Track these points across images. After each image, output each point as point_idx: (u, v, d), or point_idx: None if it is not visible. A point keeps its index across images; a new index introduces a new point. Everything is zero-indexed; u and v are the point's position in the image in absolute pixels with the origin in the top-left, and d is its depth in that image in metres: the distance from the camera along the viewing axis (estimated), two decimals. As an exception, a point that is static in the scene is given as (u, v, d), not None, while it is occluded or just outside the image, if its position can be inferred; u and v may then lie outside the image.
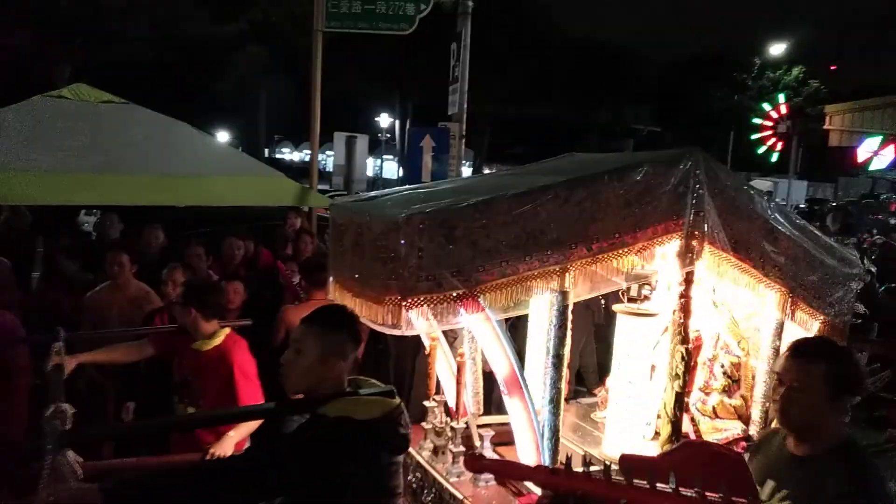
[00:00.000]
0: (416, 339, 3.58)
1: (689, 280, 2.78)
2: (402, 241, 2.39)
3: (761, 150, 28.48)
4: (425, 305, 2.42)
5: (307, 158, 7.66)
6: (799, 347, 2.15)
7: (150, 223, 5.83)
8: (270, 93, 28.82)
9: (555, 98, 34.11)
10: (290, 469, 1.93)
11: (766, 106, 28.91)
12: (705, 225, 2.76)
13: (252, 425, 3.18)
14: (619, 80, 36.37)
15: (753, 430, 3.28)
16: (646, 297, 3.24)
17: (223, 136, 24.38)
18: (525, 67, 30.17)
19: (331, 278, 3.07)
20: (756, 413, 3.30)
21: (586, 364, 6.10)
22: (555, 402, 2.70)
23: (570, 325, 2.70)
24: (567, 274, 2.63)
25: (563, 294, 2.65)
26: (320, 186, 10.41)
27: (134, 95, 7.21)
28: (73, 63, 23.02)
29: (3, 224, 7.07)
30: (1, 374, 3.55)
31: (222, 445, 3.16)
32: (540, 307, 2.88)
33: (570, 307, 2.68)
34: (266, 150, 34.08)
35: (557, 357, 2.68)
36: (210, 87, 26.91)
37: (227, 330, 3.51)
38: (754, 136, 28.90)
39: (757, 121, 28.76)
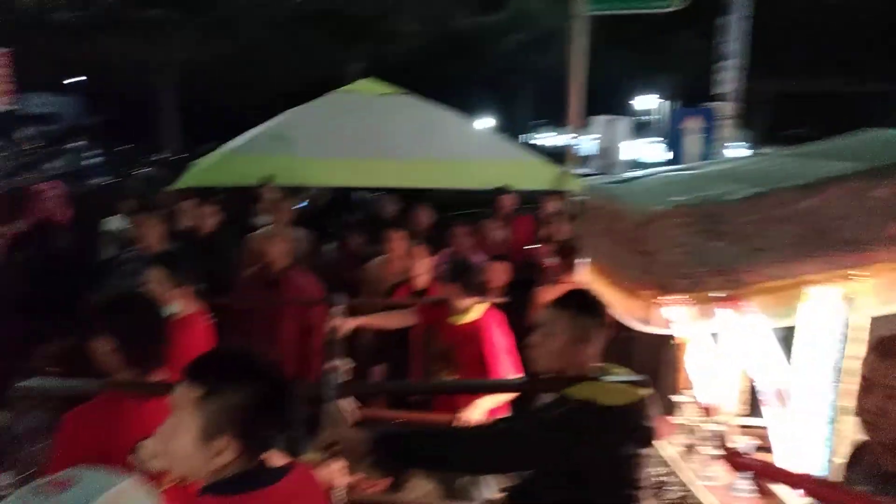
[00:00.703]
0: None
1: None
2: (660, 235, 2.23)
3: None
4: (681, 305, 2.25)
5: (566, 143, 7.66)
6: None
7: (419, 203, 6.36)
8: (531, 78, 29.39)
9: (854, 68, 29.35)
10: (532, 443, 1.99)
11: None
12: None
13: (504, 397, 3.31)
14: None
15: None
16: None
17: (488, 122, 25.48)
18: (819, 32, 26.42)
19: (583, 262, 3.06)
20: None
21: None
22: (831, 418, 2.39)
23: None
24: (860, 280, 2.20)
25: (850, 302, 2.27)
26: (579, 170, 10.40)
27: (415, 87, 7.94)
28: (363, 60, 25.90)
29: (309, 202, 8.26)
30: (303, 329, 4.14)
31: (471, 411, 3.35)
32: (814, 315, 2.52)
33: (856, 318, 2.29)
34: (525, 135, 34.94)
35: (837, 371, 2.34)
36: (476, 75, 28.25)
37: (485, 306, 3.68)
38: None
39: None
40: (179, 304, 3.08)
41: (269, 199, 6.00)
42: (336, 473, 2.04)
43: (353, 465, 2.00)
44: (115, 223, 6.16)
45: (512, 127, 29.84)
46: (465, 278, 3.61)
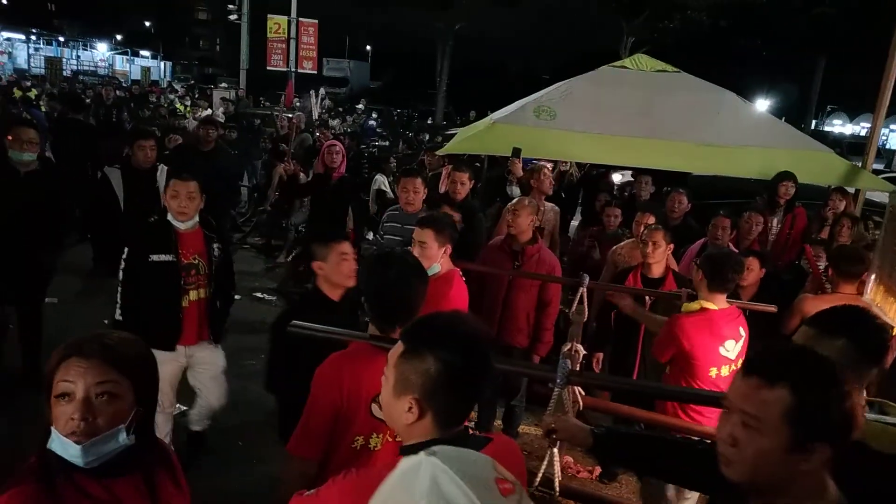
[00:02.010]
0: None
1: None
2: None
3: None
4: None
5: (862, 133, 6.60)
6: (755, 359, 1.40)
7: (676, 188, 5.99)
8: (827, 57, 25.84)
9: None
10: None
11: None
12: None
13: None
14: None
15: None
16: None
17: (763, 105, 23.03)
18: None
19: (872, 275, 2.63)
20: None
21: None
22: None
23: None
24: None
25: None
26: (875, 166, 8.97)
27: (688, 64, 7.44)
28: (635, 34, 24.98)
29: (560, 176, 8.28)
30: (538, 303, 4.20)
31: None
32: None
33: None
34: (814, 122, 31.00)
35: None
36: (760, 53, 25.64)
37: (719, 303, 3.34)
38: None
39: None
40: (441, 264, 3.24)
41: (518, 170, 6.12)
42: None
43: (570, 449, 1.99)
44: (381, 182, 6.78)
45: (801, 111, 26.64)
46: (711, 269, 3.27)
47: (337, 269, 2.81)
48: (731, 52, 25.34)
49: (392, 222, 4.69)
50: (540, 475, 2.80)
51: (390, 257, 2.19)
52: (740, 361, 3.09)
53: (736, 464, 1.37)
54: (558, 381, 2.09)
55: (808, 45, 25.08)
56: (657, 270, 4.19)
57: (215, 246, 3.64)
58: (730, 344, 3.24)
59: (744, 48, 25.52)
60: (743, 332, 3.29)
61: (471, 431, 1.55)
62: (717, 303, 3.26)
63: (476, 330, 1.52)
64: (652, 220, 4.78)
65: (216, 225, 3.77)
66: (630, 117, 6.63)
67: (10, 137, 4.32)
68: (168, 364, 3.59)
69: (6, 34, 36.37)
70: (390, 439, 1.98)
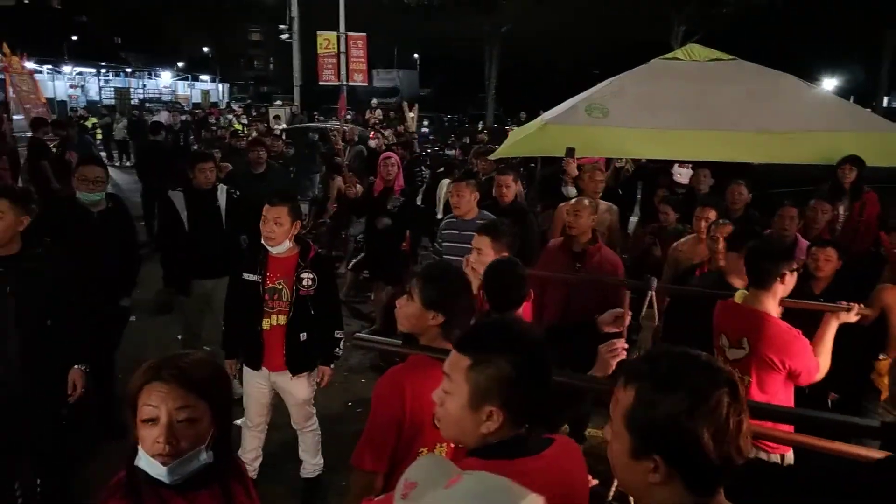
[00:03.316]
0: None
1: None
2: None
3: None
4: None
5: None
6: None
7: (735, 179, 5.81)
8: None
9: None
10: None
11: None
12: None
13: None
14: None
15: None
16: None
17: (829, 85, 22.03)
18: None
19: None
20: None
21: None
22: None
23: None
24: None
25: None
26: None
27: (744, 50, 7.23)
28: (685, 23, 24.34)
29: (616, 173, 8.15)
30: (600, 305, 4.09)
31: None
32: None
33: None
34: (885, 99, 29.47)
35: None
36: (826, 30, 24.60)
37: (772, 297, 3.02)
38: None
39: None
40: None
41: (573, 170, 6.05)
42: None
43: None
44: (442, 188, 6.82)
45: (867, 90, 25.41)
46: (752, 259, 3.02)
47: None
48: (790, 34, 24.37)
49: (450, 229, 4.73)
50: (614, 488, 2.72)
51: (454, 270, 2.26)
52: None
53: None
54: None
55: (874, 18, 23.91)
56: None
57: (305, 275, 3.58)
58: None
59: (804, 27, 24.49)
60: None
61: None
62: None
63: (529, 328, 1.56)
64: (713, 214, 4.65)
65: (317, 257, 3.67)
66: (685, 109, 6.48)
67: (75, 177, 4.22)
68: (255, 382, 3.71)
69: (78, 69, 38.34)
70: (452, 445, 1.99)
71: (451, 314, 2.12)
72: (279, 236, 3.48)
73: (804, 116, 6.42)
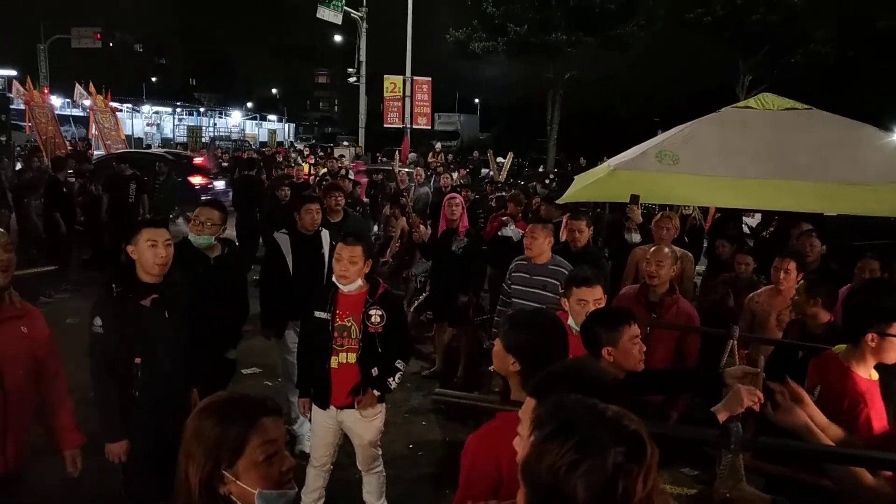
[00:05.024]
0: None
1: None
2: None
3: None
4: None
5: None
6: None
7: (805, 230, 5.65)
8: None
9: None
10: None
11: None
12: None
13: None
14: None
15: None
16: None
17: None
18: None
19: None
20: None
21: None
22: None
23: None
24: None
25: None
26: None
27: (811, 99, 7.10)
28: (752, 72, 24.07)
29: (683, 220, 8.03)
30: (678, 358, 4.05)
31: None
32: None
33: None
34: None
35: None
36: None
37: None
38: None
39: None
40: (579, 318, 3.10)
41: (637, 216, 6.01)
42: None
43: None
44: (509, 231, 6.85)
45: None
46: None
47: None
48: (861, 84, 23.76)
49: (520, 272, 4.72)
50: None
51: (545, 318, 2.17)
52: None
53: None
54: (732, 447, 1.90)
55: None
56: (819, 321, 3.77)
57: (374, 311, 3.59)
58: None
59: (875, 77, 23.86)
60: None
61: None
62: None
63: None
64: (793, 265, 4.54)
65: (385, 294, 3.69)
66: (758, 158, 6.36)
67: (192, 219, 4.14)
68: (322, 420, 3.72)
69: (155, 108, 40.51)
70: None
71: (529, 363, 2.02)
72: (353, 275, 3.52)
73: (885, 167, 6.22)
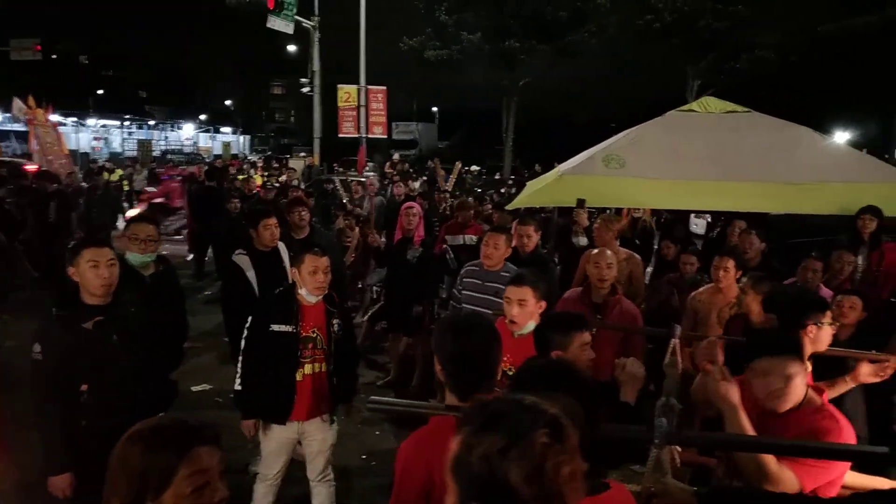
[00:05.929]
0: None
1: None
2: None
3: None
4: None
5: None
6: None
7: (746, 228, 5.80)
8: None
9: None
10: None
11: None
12: None
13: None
14: None
15: None
16: None
17: (842, 137, 22.06)
18: None
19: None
20: None
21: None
22: None
23: None
24: None
25: None
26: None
27: (758, 102, 7.33)
28: (700, 77, 24.77)
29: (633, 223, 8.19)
30: (624, 351, 4.07)
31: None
32: None
33: None
34: (897, 151, 29.47)
35: None
36: (838, 84, 24.88)
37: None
38: None
39: None
40: (533, 323, 3.11)
41: (583, 220, 6.10)
42: None
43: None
44: (465, 239, 6.86)
45: (884, 140, 25.45)
46: (786, 309, 3.05)
47: None
48: (803, 88, 24.66)
49: (472, 278, 4.69)
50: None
51: (471, 323, 2.14)
52: None
53: None
54: (656, 441, 1.93)
55: (887, 72, 24.14)
56: (758, 318, 3.91)
57: (336, 322, 3.62)
58: None
59: (816, 82, 24.80)
60: None
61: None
62: None
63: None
64: (731, 263, 4.65)
65: (339, 301, 3.72)
66: (702, 160, 6.53)
67: (126, 235, 3.93)
68: (280, 437, 3.62)
69: (102, 121, 39.56)
70: None
71: (453, 367, 2.00)
72: (327, 286, 3.53)
73: (822, 168, 6.45)
